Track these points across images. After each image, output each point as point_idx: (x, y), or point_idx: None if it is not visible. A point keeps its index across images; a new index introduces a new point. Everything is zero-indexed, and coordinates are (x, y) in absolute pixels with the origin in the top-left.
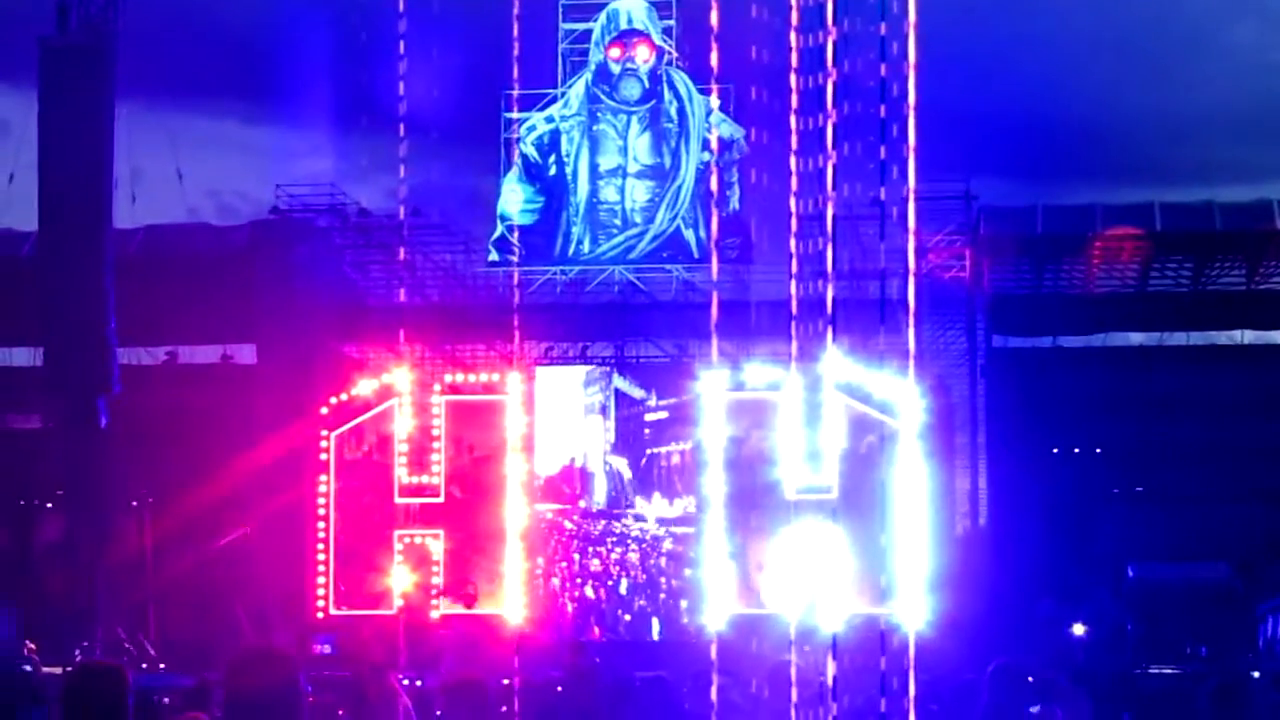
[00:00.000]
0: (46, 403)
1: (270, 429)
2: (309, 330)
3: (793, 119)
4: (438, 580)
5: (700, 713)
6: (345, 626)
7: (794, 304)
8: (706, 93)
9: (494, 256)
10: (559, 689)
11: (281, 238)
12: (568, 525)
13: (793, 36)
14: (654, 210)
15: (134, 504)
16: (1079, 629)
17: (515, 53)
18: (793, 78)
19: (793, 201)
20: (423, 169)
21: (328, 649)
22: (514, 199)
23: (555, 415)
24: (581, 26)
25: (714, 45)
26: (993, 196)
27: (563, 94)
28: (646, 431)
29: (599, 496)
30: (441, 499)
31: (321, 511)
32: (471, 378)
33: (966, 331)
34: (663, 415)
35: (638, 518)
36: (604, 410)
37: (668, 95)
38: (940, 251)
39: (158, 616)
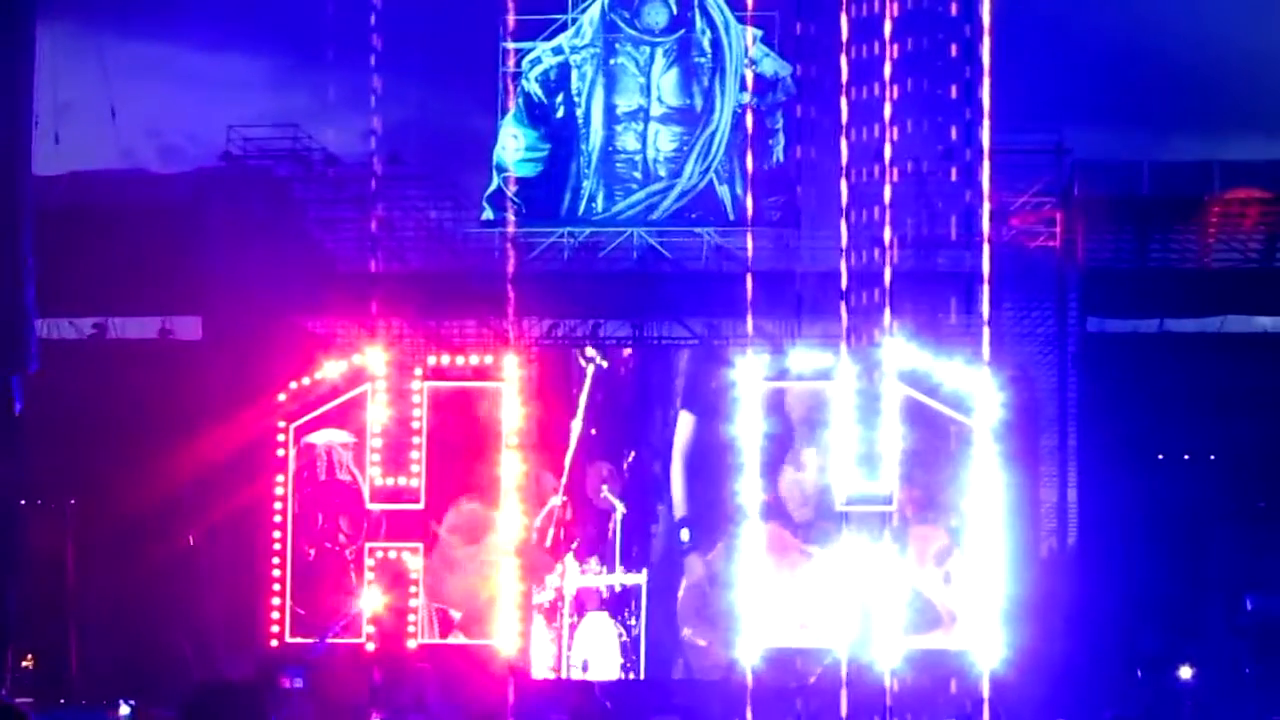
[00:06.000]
0: None
1: (218, 418)
2: (265, 301)
3: (845, 52)
4: (416, 603)
5: None
6: (321, 659)
7: (845, 276)
8: (746, 21)
9: (488, 214)
10: None
11: (234, 189)
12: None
13: None
14: (681, 162)
15: (53, 505)
16: (1186, 671)
17: None
18: None
19: (844, 152)
20: (403, 107)
21: (299, 683)
22: (513, 145)
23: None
24: None
25: None
26: (1089, 150)
27: (573, 20)
28: None
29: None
30: (422, 505)
31: (278, 519)
32: (459, 360)
33: (1055, 312)
34: None
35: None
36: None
37: (699, 23)
38: (1025, 215)
39: (80, 642)
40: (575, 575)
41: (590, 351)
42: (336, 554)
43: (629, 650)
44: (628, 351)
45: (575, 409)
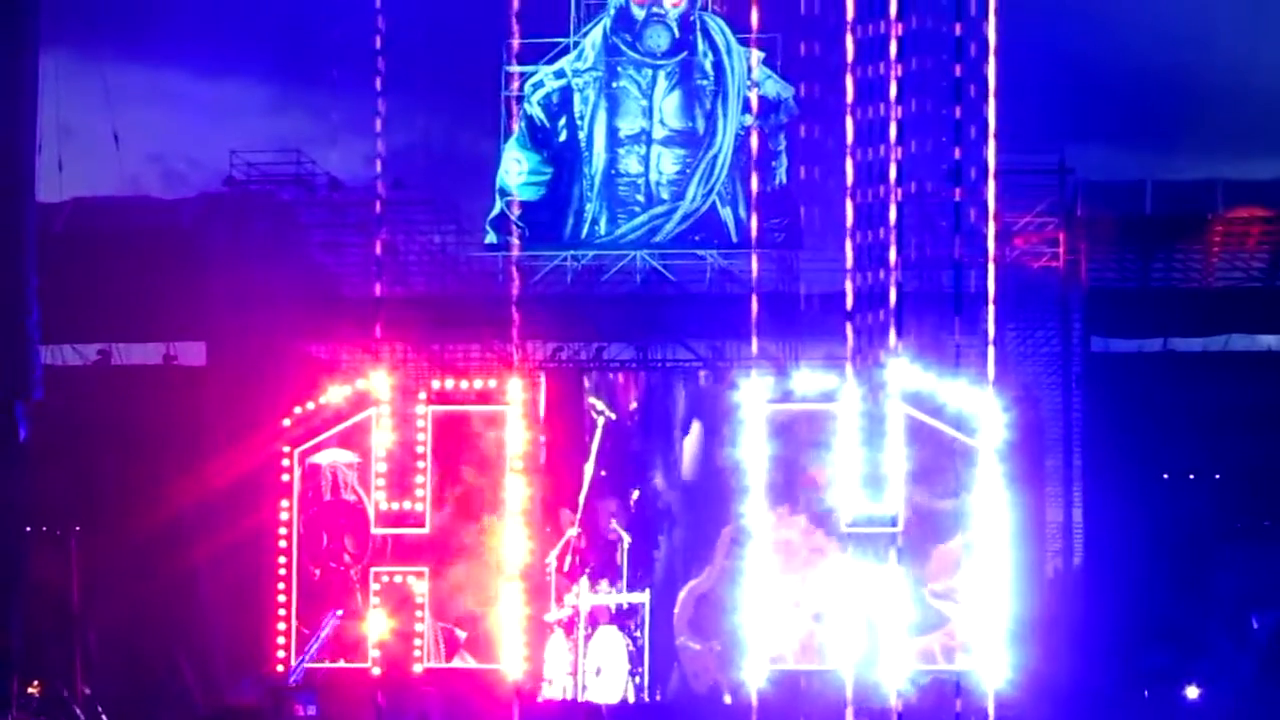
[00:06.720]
0: None
1: (222, 443)
2: (269, 326)
3: (850, 72)
4: (422, 626)
5: None
6: (327, 683)
7: (850, 297)
8: (748, 44)
9: (492, 238)
10: None
11: (237, 213)
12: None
13: None
14: (684, 184)
15: (58, 532)
16: (1193, 690)
17: None
18: (850, 11)
19: (849, 172)
20: (406, 132)
21: (312, 710)
22: (516, 169)
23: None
24: None
25: None
26: (1092, 170)
27: (576, 44)
28: None
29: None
30: (427, 529)
31: (283, 544)
32: (463, 384)
33: (1059, 332)
34: None
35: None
36: None
37: (701, 46)
38: (1028, 235)
39: (86, 667)
40: (589, 595)
41: (600, 405)
42: (342, 574)
43: (635, 659)
44: (634, 406)
45: (579, 438)
